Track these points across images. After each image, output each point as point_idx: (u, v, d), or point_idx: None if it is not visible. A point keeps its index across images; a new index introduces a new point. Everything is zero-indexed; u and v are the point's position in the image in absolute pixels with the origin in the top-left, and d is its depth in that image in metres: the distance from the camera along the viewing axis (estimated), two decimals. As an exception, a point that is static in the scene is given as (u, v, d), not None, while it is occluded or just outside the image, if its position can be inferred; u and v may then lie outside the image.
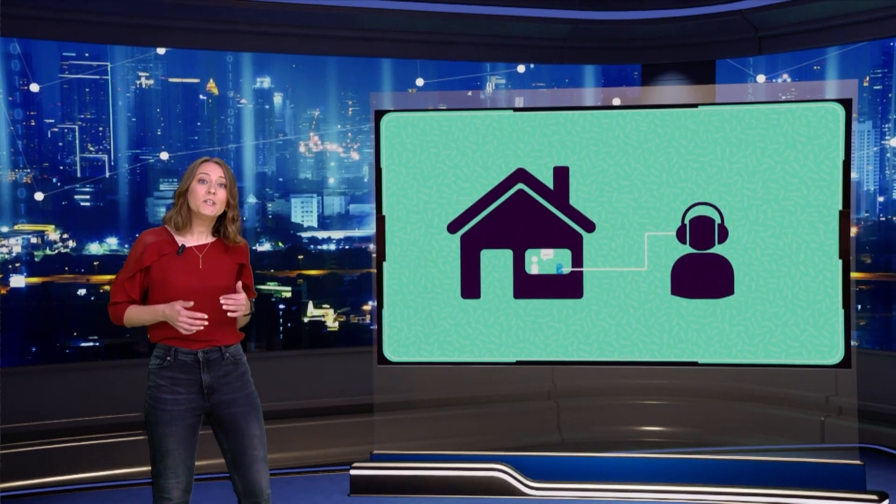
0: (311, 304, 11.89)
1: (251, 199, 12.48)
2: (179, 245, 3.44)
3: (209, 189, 3.42)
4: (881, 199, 11.10)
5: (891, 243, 10.58)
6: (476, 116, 5.40)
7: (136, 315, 3.40)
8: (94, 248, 11.39)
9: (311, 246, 12.69)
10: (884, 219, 11.02)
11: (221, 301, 3.35)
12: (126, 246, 11.85)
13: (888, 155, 11.12)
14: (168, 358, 3.40)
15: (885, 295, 10.14)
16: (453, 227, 5.41)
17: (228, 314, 3.38)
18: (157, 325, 3.41)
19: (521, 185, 5.37)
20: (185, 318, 3.28)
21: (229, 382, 3.46)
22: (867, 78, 11.41)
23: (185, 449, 3.40)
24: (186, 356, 3.40)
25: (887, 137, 11.22)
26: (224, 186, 3.47)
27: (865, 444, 6.34)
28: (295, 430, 6.86)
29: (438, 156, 5.39)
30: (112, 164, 12.04)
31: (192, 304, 3.30)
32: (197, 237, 3.47)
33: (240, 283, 3.47)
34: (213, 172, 3.46)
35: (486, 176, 5.39)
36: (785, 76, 9.12)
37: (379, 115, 5.44)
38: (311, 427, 6.88)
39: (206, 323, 3.31)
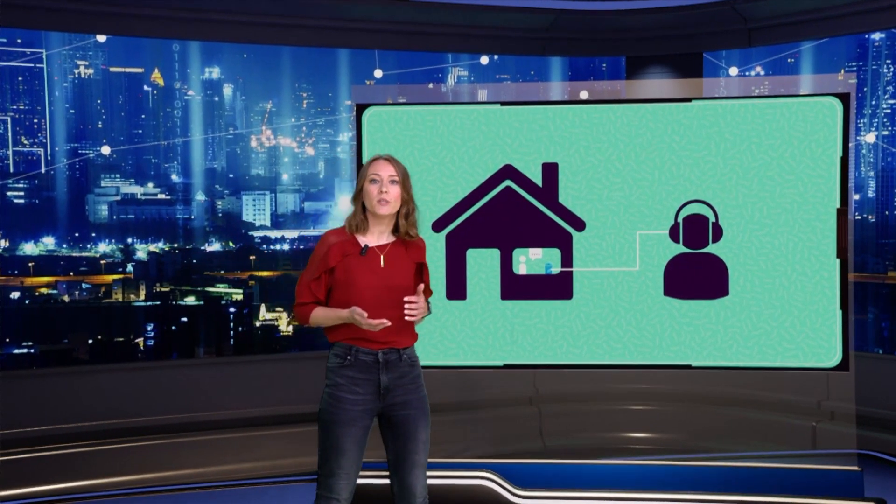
0: (263, 308, 11.84)
1: (200, 197, 12.39)
2: (362, 245, 3.61)
3: (381, 188, 3.59)
4: (856, 196, 11.30)
5: (866, 243, 10.80)
6: (462, 111, 5.43)
7: (321, 317, 3.62)
8: (29, 249, 11.22)
9: (264, 246, 12.63)
10: (859, 217, 11.23)
11: (405, 307, 3.55)
12: (64, 246, 11.70)
13: (864, 152, 11.34)
14: (349, 357, 3.59)
15: (861, 296, 10.35)
16: (438, 226, 5.44)
17: (407, 318, 3.55)
18: (339, 324, 3.60)
19: (508, 182, 5.42)
20: (366, 322, 3.46)
21: (404, 384, 3.65)
22: (842, 71, 11.63)
23: (359, 450, 3.62)
24: (367, 356, 3.59)
25: (862, 133, 11.44)
26: (396, 183, 3.61)
27: (861, 450, 6.48)
28: (266, 437, 6.86)
29: (423, 152, 5.42)
30: (49, 158, 11.86)
31: (366, 314, 3.47)
32: (377, 237, 3.66)
33: (421, 286, 3.62)
34: (383, 171, 3.61)
35: (472, 172, 5.42)
36: (759, 69, 9.29)
37: (360, 108, 5.45)
38: (284, 434, 6.88)
39: (388, 324, 3.48)
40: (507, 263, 5.43)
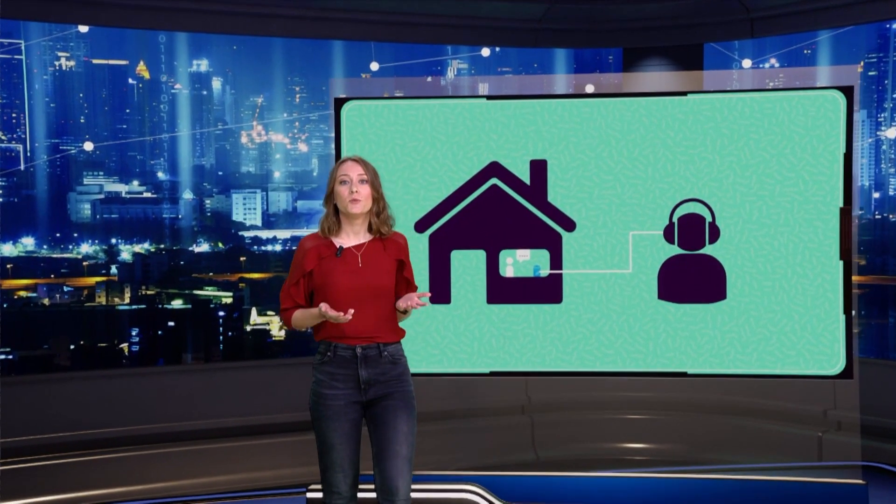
0: (254, 311, 11.86)
1: (187, 195, 12.42)
2: (338, 246, 3.80)
3: (351, 188, 3.80)
4: (877, 195, 11.28)
5: (887, 243, 10.76)
6: (446, 105, 5.44)
7: (300, 319, 3.85)
8: (7, 250, 11.24)
9: (255, 247, 12.66)
10: (879, 217, 11.19)
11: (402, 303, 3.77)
12: (45, 247, 11.73)
13: (884, 147, 11.29)
14: (328, 353, 3.80)
15: (882, 299, 10.32)
16: (421, 226, 5.44)
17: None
18: (320, 323, 3.80)
19: (494, 180, 5.42)
20: (331, 314, 3.64)
21: (387, 380, 3.82)
22: (861, 63, 11.59)
23: (349, 443, 3.79)
24: (345, 351, 3.79)
25: (883, 128, 11.39)
26: (366, 182, 3.83)
27: (868, 461, 6.46)
28: (244, 448, 6.88)
29: (405, 148, 5.42)
30: (28, 154, 11.89)
31: (327, 306, 3.66)
32: (353, 237, 3.87)
33: (413, 296, 3.78)
34: (352, 171, 3.83)
35: (456, 170, 5.43)
36: (773, 61, 9.27)
37: (339, 103, 5.46)
38: (262, 445, 6.90)
39: (349, 317, 3.64)
40: (493, 265, 5.43)
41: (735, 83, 8.30)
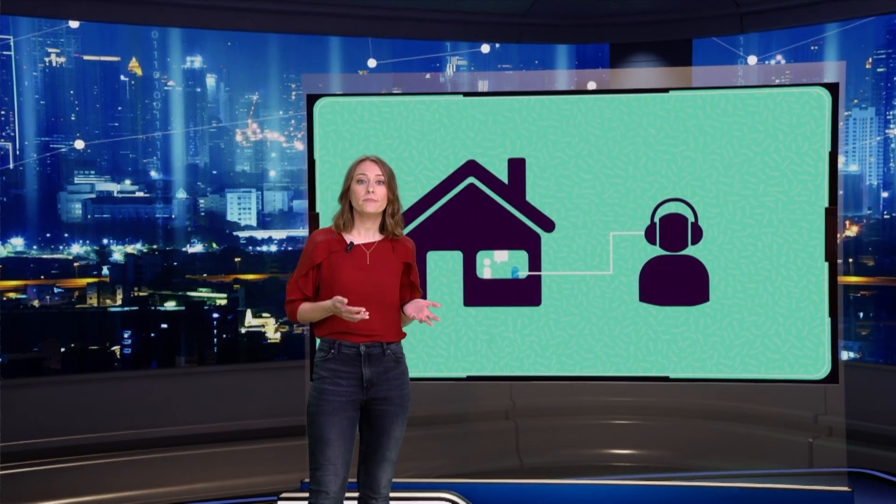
0: (249, 313, 11.89)
1: (180, 195, 12.45)
2: (348, 242, 3.92)
3: (368, 188, 3.90)
4: (885, 194, 11.20)
5: (896, 244, 10.68)
6: (422, 102, 5.42)
7: (307, 312, 3.93)
8: (-4, 250, 11.31)
9: (250, 247, 12.69)
10: (888, 217, 11.11)
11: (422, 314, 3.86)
12: (35, 247, 11.78)
13: (893, 146, 11.22)
14: (332, 351, 3.89)
15: (890, 301, 10.24)
16: (396, 226, 5.43)
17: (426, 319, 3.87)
18: (324, 319, 3.91)
19: (471, 179, 5.41)
20: (346, 309, 3.71)
21: (388, 380, 3.94)
22: (870, 59, 11.51)
23: (345, 441, 3.88)
24: (349, 349, 3.88)
25: (892, 126, 11.32)
26: (382, 183, 3.94)
27: (856, 468, 6.42)
28: (221, 455, 6.88)
29: (379, 146, 5.41)
30: (17, 153, 11.94)
31: (346, 300, 3.72)
32: (364, 235, 3.98)
33: (422, 301, 3.93)
34: (370, 171, 3.93)
35: (432, 169, 5.42)
36: (779, 57, 9.22)
37: (312, 99, 5.45)
38: (239, 452, 6.89)
39: (367, 316, 3.73)
40: (470, 267, 5.42)
41: (740, 79, 8.26)
